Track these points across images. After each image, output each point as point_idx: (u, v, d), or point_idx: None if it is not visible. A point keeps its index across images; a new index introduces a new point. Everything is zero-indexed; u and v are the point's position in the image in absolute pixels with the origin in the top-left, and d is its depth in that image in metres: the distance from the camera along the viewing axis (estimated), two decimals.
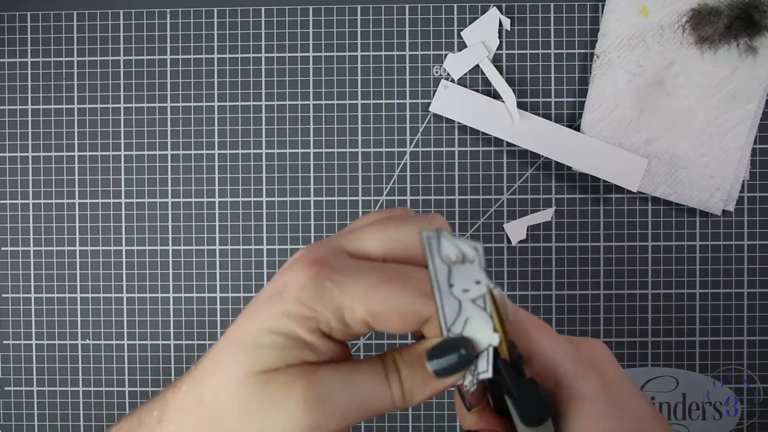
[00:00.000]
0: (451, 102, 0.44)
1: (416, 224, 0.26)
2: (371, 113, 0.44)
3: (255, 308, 0.26)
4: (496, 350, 0.25)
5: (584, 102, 0.44)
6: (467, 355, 0.25)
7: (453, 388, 0.29)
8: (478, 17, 0.44)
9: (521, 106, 0.44)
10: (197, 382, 0.27)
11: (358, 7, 0.45)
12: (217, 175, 0.45)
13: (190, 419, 0.26)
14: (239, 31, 0.45)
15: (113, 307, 0.45)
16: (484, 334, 0.25)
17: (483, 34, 0.44)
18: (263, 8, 0.45)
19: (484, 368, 0.25)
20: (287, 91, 0.45)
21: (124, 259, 0.45)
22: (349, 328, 0.26)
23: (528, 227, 0.44)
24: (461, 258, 0.24)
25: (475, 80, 0.44)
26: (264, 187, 0.45)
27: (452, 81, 0.44)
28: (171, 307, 0.45)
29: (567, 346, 0.28)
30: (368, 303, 0.25)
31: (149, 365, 0.45)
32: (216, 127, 0.45)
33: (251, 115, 0.45)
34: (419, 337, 0.28)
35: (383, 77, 0.44)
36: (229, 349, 0.26)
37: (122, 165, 0.45)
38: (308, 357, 0.26)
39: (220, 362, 0.26)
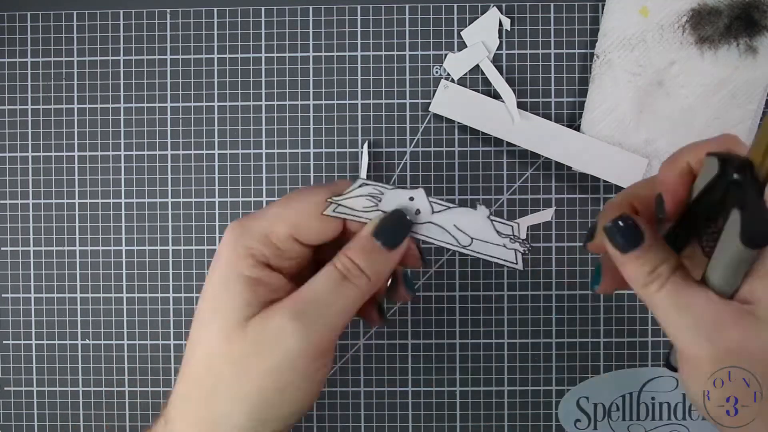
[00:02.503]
0: (451, 102, 0.44)
1: (316, 192, 0.30)
2: (371, 113, 0.44)
3: (207, 281, 0.30)
4: (743, 165, 0.26)
5: (584, 102, 0.44)
6: (404, 217, 0.29)
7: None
8: (478, 17, 0.44)
9: (521, 106, 0.44)
10: (189, 357, 0.30)
11: (358, 7, 0.45)
12: (217, 175, 0.45)
13: (198, 390, 0.29)
14: (239, 31, 0.45)
15: (113, 307, 0.45)
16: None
17: (483, 34, 0.44)
18: (263, 8, 0.45)
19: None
20: (287, 91, 0.45)
21: (124, 259, 0.45)
22: (282, 251, 0.29)
23: (528, 227, 0.44)
24: (386, 198, 0.30)
25: (475, 80, 0.44)
26: (264, 187, 0.45)
27: (452, 81, 0.44)
28: (171, 307, 0.45)
29: None
30: (286, 218, 0.29)
31: (149, 365, 0.45)
32: (216, 127, 0.45)
33: (251, 115, 0.45)
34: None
35: (383, 77, 0.44)
36: (201, 319, 0.29)
37: (122, 165, 0.45)
38: (262, 293, 0.29)
39: (200, 332, 0.29)
